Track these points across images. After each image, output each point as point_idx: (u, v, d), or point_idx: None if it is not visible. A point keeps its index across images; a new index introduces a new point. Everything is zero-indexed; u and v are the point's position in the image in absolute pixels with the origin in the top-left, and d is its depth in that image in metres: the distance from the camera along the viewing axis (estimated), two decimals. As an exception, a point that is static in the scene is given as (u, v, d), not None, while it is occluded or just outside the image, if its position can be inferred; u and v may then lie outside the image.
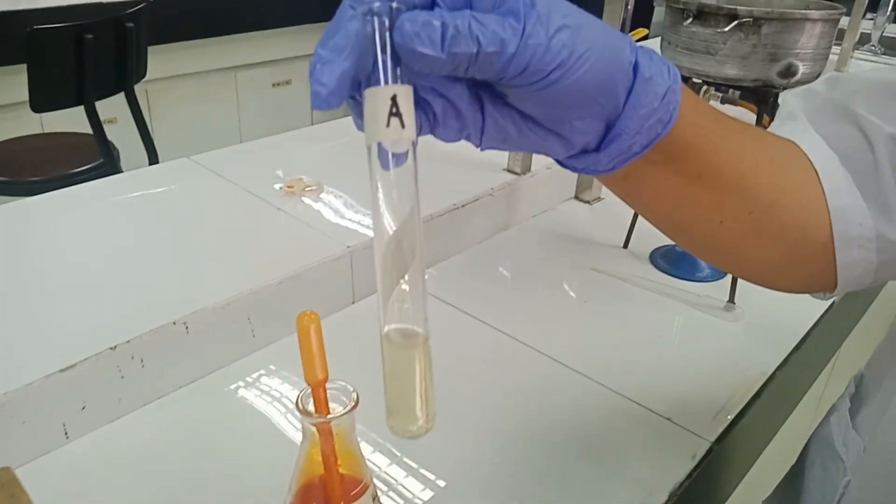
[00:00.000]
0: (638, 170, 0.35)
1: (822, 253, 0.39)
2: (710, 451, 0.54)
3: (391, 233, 0.29)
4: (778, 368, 0.63)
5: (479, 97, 0.32)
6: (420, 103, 0.30)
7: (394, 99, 0.28)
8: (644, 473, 0.52)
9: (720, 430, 0.56)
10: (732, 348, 0.67)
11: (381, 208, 0.30)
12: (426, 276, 0.32)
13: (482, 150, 0.34)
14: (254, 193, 0.80)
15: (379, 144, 0.29)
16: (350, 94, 0.29)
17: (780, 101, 0.49)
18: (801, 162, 0.39)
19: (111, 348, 0.54)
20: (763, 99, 0.66)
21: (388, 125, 0.28)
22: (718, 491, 0.55)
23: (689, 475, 0.52)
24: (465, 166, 0.88)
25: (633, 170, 0.35)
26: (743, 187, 0.37)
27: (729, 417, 0.57)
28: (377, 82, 0.28)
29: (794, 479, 0.54)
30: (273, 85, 2.54)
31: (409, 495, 0.50)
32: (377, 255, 0.30)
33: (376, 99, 0.28)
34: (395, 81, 0.28)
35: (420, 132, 0.30)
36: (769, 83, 0.63)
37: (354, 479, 0.41)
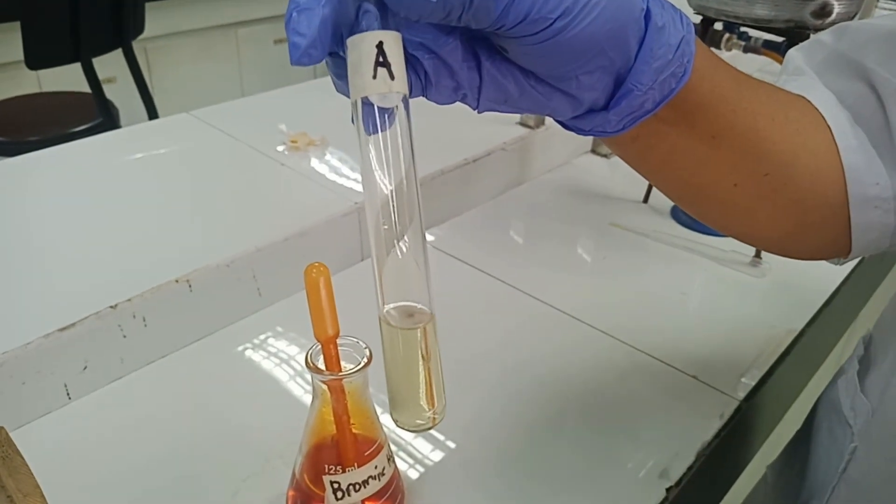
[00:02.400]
0: (648, 130, 0.32)
1: (837, 216, 0.36)
2: (738, 410, 0.52)
3: (385, 201, 0.26)
4: (807, 326, 0.61)
5: (474, 53, 0.28)
6: (409, 61, 0.27)
7: (380, 46, 0.25)
8: (668, 433, 0.50)
9: (748, 388, 0.54)
10: (759, 304, 0.65)
11: (372, 174, 0.26)
12: (427, 246, 0.28)
13: (479, 112, 0.31)
14: (256, 148, 0.78)
15: (365, 100, 0.26)
16: (331, 48, 0.26)
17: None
18: (815, 119, 0.37)
19: (112, 307, 0.53)
20: (794, 43, 0.62)
21: (374, 76, 0.25)
22: (743, 453, 0.53)
23: (717, 435, 0.50)
24: (475, 120, 0.84)
25: (643, 130, 0.32)
26: (759, 147, 0.34)
27: (757, 375, 0.55)
28: (360, 31, 0.25)
29: (800, 443, 0.52)
30: (275, 41, 2.49)
31: (419, 456, 0.48)
32: (370, 226, 0.27)
33: (361, 47, 0.25)
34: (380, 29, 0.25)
35: (410, 94, 0.27)
36: (802, 24, 0.60)
37: (368, 439, 0.39)
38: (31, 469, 0.29)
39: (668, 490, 0.45)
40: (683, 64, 0.30)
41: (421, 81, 0.28)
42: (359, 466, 0.38)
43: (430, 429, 0.29)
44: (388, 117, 0.26)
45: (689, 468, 0.47)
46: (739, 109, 0.33)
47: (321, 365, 0.37)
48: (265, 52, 2.48)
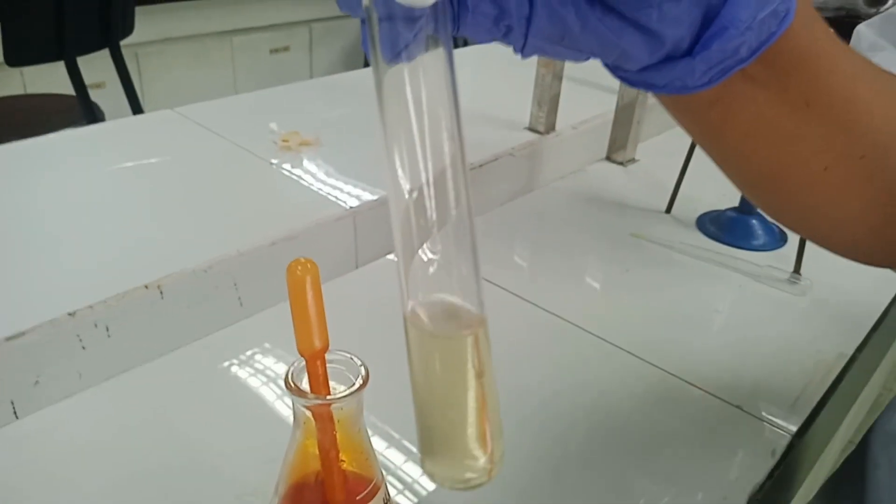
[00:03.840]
0: (733, 91, 0.27)
1: None
2: (790, 446, 0.45)
3: (412, 152, 0.19)
4: (858, 350, 0.54)
5: None
6: None
7: None
8: (713, 474, 0.43)
9: (801, 420, 0.47)
10: (801, 326, 0.58)
11: (394, 119, 0.19)
12: (476, 228, 0.21)
13: (524, 56, 0.24)
14: (243, 147, 0.72)
15: (383, 5, 0.18)
16: None
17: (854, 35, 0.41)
18: None
19: (70, 314, 0.47)
20: (840, 33, 0.57)
21: None
22: (786, 496, 0.46)
23: (770, 475, 0.43)
24: (481, 124, 0.79)
25: (726, 91, 0.26)
26: (857, 121, 0.29)
27: (809, 406, 0.48)
28: None
29: (848, 482, 0.45)
30: (271, 51, 2.43)
31: (409, 480, 0.42)
32: (390, 188, 0.20)
33: None
34: None
35: (438, 25, 0.20)
36: (854, 13, 0.54)
37: (361, 478, 0.32)
38: None
39: (719, 543, 0.38)
40: (786, 2, 0.24)
41: (454, 7, 0.21)
42: (349, 512, 0.31)
43: (482, 484, 0.20)
44: (416, 38, 0.19)
45: (741, 516, 0.40)
46: (839, 71, 0.27)
47: (305, 386, 0.30)
48: (261, 62, 2.42)
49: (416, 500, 0.41)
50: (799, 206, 0.33)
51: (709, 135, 0.30)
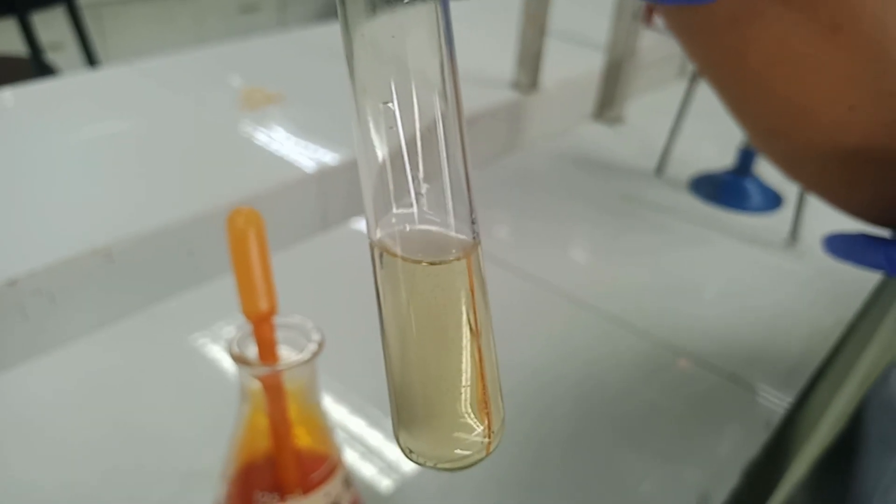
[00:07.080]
0: (755, 9, 0.25)
1: None
2: (787, 417, 0.42)
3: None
4: (857, 317, 0.52)
5: None
6: None
7: None
8: (703, 447, 0.40)
9: (797, 390, 0.44)
10: (798, 291, 0.55)
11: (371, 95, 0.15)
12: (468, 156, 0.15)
13: None
14: (202, 103, 0.68)
15: None
16: None
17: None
18: None
19: (10, 283, 0.43)
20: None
21: None
22: (780, 472, 0.43)
23: (766, 450, 0.40)
24: (460, 81, 0.74)
25: (748, 8, 0.24)
26: (888, 51, 0.26)
27: (805, 375, 0.45)
28: None
29: (839, 458, 0.43)
30: (240, 11, 2.34)
31: (391, 459, 0.39)
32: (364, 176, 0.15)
33: None
34: None
35: None
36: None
37: (317, 456, 0.29)
38: None
39: (712, 523, 0.35)
40: None
41: None
42: (304, 493, 0.28)
43: (479, 461, 0.16)
44: None
45: (735, 492, 0.37)
46: None
47: (251, 354, 0.27)
48: (231, 23, 2.33)
49: (397, 477, 0.37)
50: (819, 157, 0.29)
51: (727, 62, 0.27)
